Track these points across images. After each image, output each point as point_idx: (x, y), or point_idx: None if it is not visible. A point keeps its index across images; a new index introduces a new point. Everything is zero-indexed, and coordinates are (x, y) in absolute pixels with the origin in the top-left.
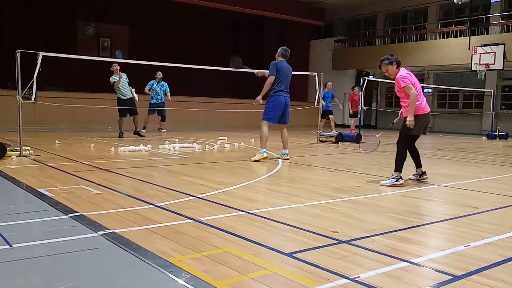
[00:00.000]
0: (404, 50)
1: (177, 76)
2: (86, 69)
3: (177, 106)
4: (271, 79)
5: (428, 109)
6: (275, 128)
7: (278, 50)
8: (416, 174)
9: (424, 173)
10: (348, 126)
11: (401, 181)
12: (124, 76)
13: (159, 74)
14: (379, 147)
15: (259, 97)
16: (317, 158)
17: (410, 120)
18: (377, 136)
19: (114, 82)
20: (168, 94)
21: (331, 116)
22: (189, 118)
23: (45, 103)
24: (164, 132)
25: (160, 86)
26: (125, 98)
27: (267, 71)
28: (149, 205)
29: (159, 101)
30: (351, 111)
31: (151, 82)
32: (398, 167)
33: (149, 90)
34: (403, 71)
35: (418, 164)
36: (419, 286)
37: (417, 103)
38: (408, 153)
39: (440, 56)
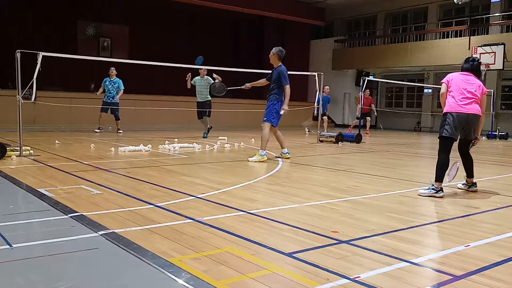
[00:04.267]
0: (404, 50)
1: (176, 76)
2: (86, 69)
3: (177, 106)
4: (289, 88)
5: (464, 110)
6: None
7: (276, 52)
8: (465, 183)
9: (474, 184)
10: (349, 126)
11: (441, 193)
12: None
13: (112, 71)
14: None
15: (286, 106)
16: (317, 158)
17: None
18: (458, 164)
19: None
20: (121, 92)
21: (324, 117)
22: (189, 118)
23: (45, 103)
24: (121, 133)
25: (112, 83)
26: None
27: (255, 82)
28: (149, 205)
29: (111, 99)
30: (358, 113)
31: (105, 79)
32: (437, 177)
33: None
34: (456, 72)
35: (468, 174)
36: (419, 286)
37: (451, 100)
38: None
39: (440, 56)
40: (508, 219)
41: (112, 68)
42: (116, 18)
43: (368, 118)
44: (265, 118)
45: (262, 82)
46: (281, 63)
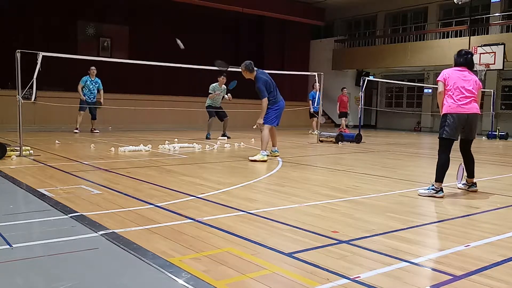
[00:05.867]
0: (404, 50)
1: (176, 76)
2: (86, 69)
3: (177, 106)
4: (266, 101)
5: (463, 111)
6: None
7: (245, 68)
8: (465, 183)
9: (474, 184)
10: (347, 127)
11: (441, 194)
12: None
13: (93, 70)
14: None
15: (261, 120)
16: (317, 158)
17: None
18: (463, 165)
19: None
20: (101, 92)
21: (315, 118)
22: (189, 118)
23: (45, 103)
24: (97, 133)
25: (94, 83)
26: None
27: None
28: (149, 205)
29: (92, 99)
30: (338, 111)
31: (85, 78)
32: (437, 177)
33: (82, 88)
34: (452, 68)
35: (469, 174)
36: (419, 286)
37: (450, 100)
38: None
39: (440, 56)
40: (508, 219)
41: (93, 67)
42: (116, 18)
43: (345, 118)
44: (264, 121)
45: (266, 102)
46: (255, 72)
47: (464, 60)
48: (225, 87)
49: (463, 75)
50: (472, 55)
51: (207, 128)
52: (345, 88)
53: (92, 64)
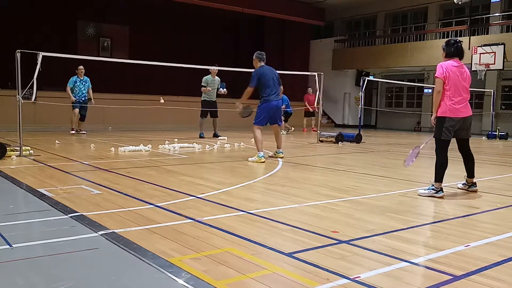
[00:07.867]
0: (404, 50)
1: (177, 76)
2: (86, 69)
3: (177, 105)
4: (250, 89)
5: (462, 114)
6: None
7: (256, 56)
8: (465, 183)
9: (474, 184)
10: (349, 126)
11: (441, 194)
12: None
13: (81, 69)
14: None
15: (239, 104)
16: (317, 158)
17: (432, 118)
18: (420, 147)
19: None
20: (90, 91)
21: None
22: (189, 118)
23: (45, 103)
24: (84, 134)
25: (83, 82)
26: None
27: (243, 97)
28: (149, 205)
29: (83, 98)
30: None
31: (73, 78)
32: (437, 177)
33: (71, 89)
34: (448, 63)
35: (469, 174)
36: (419, 286)
37: (449, 102)
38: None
39: (440, 56)
40: (508, 219)
41: (81, 67)
42: (116, 18)
43: (313, 118)
44: (253, 121)
45: (249, 91)
46: (263, 65)
47: (456, 49)
48: (219, 79)
49: (461, 72)
50: (461, 43)
51: (199, 127)
52: (310, 87)
53: (92, 64)
